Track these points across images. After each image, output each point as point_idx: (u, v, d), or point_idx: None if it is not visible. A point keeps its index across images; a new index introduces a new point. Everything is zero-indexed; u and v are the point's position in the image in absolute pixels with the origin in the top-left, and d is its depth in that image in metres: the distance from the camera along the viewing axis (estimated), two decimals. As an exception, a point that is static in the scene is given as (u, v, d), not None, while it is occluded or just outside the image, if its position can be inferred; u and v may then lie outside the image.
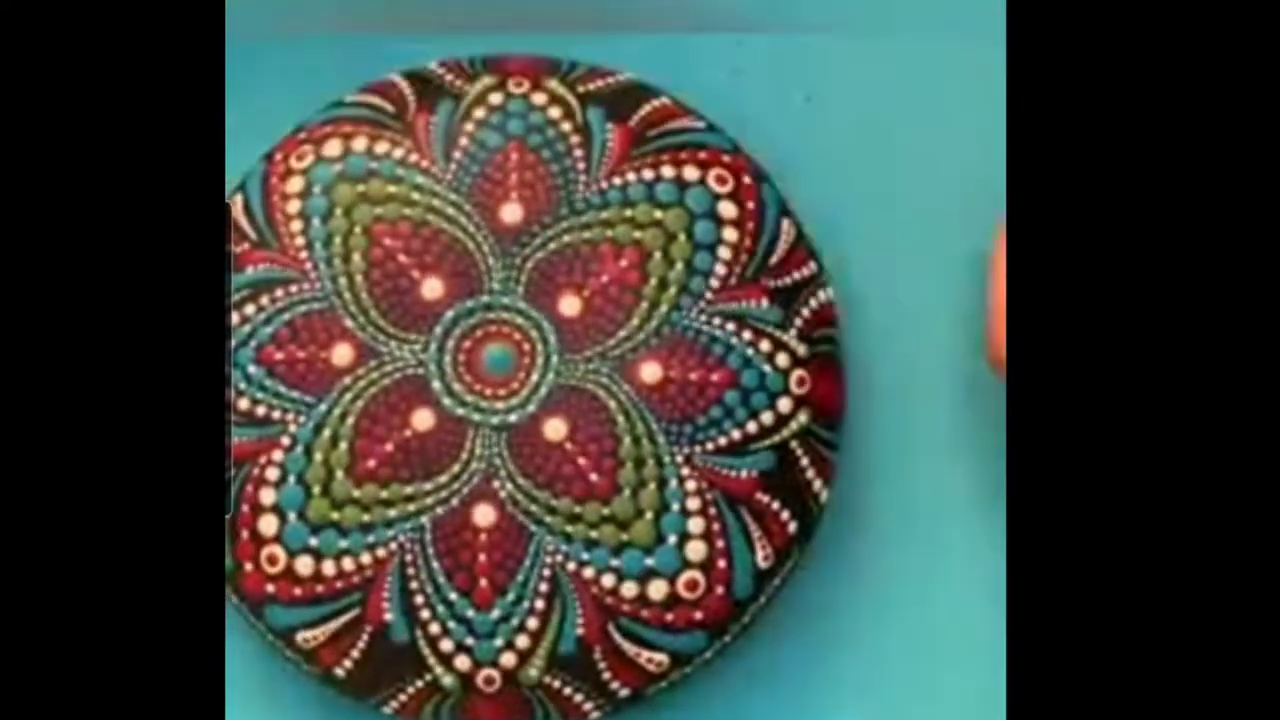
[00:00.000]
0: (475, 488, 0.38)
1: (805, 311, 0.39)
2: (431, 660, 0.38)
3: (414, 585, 0.38)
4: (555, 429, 0.38)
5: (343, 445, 0.38)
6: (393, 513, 0.38)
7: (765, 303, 0.39)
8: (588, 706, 0.39)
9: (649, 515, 0.38)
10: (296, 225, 0.39)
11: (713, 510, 0.38)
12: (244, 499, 0.38)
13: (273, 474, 0.38)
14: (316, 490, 0.38)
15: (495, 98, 0.40)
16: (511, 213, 0.39)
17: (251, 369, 0.39)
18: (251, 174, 0.40)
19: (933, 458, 0.42)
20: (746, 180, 0.40)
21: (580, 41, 0.41)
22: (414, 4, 0.41)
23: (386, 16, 0.40)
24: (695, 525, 0.38)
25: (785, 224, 0.40)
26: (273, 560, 0.38)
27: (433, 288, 0.39)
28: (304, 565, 0.38)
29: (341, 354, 0.39)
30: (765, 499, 0.39)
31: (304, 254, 0.39)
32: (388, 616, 0.38)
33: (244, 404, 0.38)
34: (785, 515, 0.39)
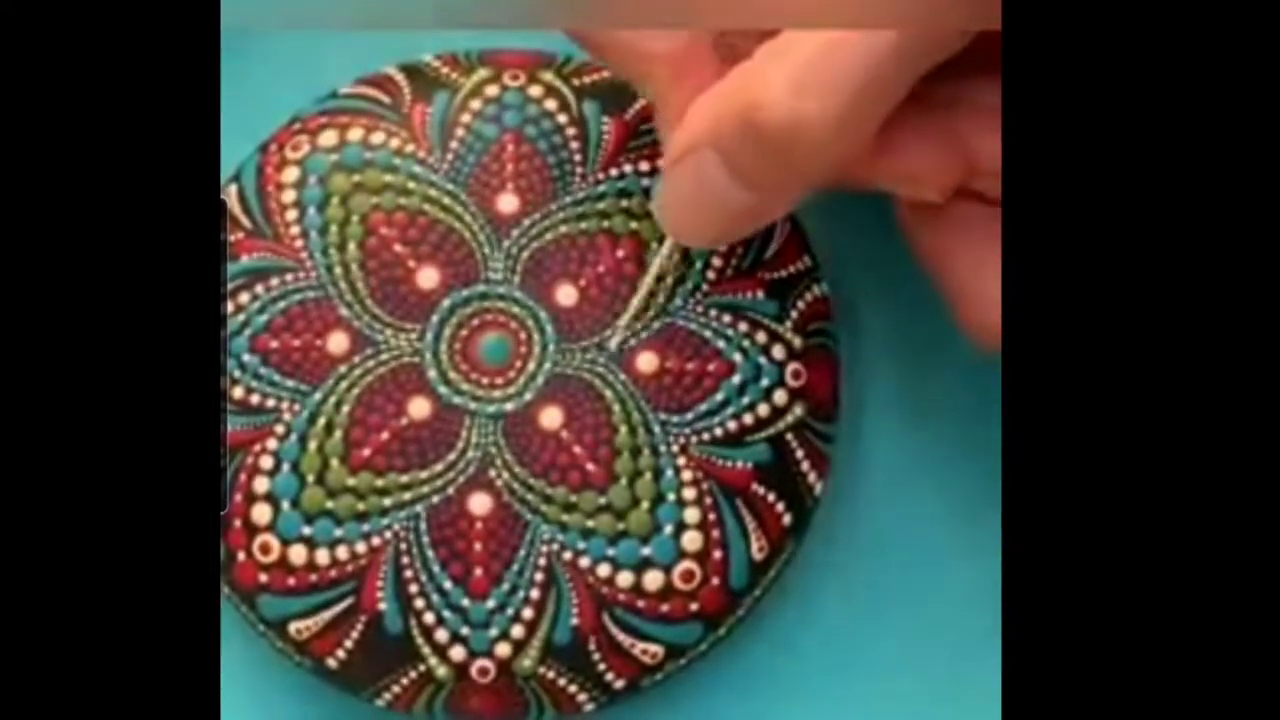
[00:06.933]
0: (471, 476, 0.38)
1: (801, 305, 0.39)
2: (426, 650, 0.38)
3: (408, 574, 0.38)
4: (551, 417, 0.38)
5: (338, 433, 0.38)
6: (388, 501, 0.38)
7: (761, 295, 0.39)
8: (582, 698, 0.38)
9: (645, 504, 0.38)
10: (292, 214, 0.39)
11: (709, 500, 0.38)
12: (237, 488, 0.38)
13: (267, 462, 0.38)
14: (311, 479, 0.38)
15: (491, 89, 0.40)
16: (507, 203, 0.39)
17: (246, 357, 0.38)
18: (246, 164, 0.40)
19: (927, 452, 0.41)
20: (742, 174, 0.40)
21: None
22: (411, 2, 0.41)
23: (383, 12, 0.40)
24: (691, 515, 0.38)
25: (780, 217, 0.40)
26: (265, 549, 0.38)
27: (428, 276, 0.39)
28: (297, 554, 0.38)
29: (337, 342, 0.38)
30: (761, 490, 0.38)
31: (299, 243, 0.39)
32: (381, 606, 0.38)
33: (238, 392, 0.38)
34: (780, 507, 0.39)
